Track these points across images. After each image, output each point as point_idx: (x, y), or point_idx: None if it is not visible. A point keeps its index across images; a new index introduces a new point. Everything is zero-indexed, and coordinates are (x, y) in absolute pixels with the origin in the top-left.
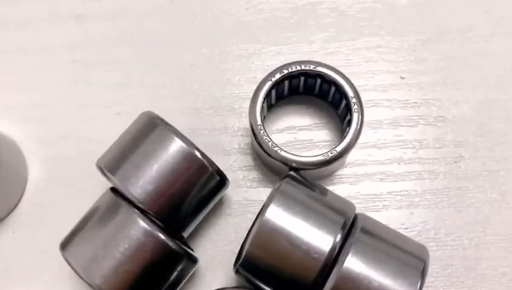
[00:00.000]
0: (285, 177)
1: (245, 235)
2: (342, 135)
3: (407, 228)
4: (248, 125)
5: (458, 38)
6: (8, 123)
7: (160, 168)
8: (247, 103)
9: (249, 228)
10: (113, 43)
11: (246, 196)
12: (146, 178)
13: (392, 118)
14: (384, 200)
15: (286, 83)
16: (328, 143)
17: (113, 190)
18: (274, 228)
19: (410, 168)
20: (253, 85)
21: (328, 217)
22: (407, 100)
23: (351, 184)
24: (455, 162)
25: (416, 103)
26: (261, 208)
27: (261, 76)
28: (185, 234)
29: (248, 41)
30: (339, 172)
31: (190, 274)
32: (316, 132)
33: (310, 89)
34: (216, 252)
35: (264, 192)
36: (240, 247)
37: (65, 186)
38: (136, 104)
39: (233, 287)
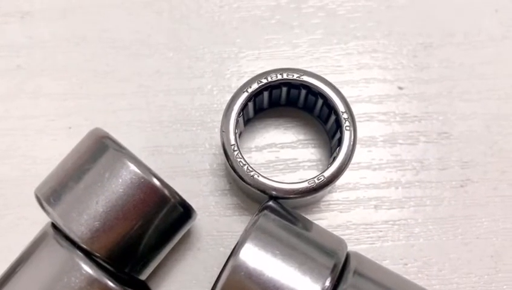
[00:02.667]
0: (263, 209)
1: (216, 275)
2: (331, 154)
3: (406, 264)
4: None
5: (465, 43)
6: None
7: (108, 200)
8: (221, 116)
9: (221, 265)
10: (64, 45)
11: (218, 226)
12: (91, 213)
13: (388, 134)
14: (380, 231)
15: (265, 94)
16: (315, 163)
17: (54, 225)
18: (249, 273)
19: (410, 193)
20: (228, 95)
21: (314, 259)
22: (406, 114)
23: (341, 212)
24: (461, 186)
25: (416, 116)
26: (234, 248)
27: (236, 84)
28: (143, 277)
29: (222, 44)
30: (327, 197)
31: None
32: (300, 150)
33: (293, 101)
34: None
35: (240, 221)
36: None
37: (2, 214)
38: (90, 116)
39: None
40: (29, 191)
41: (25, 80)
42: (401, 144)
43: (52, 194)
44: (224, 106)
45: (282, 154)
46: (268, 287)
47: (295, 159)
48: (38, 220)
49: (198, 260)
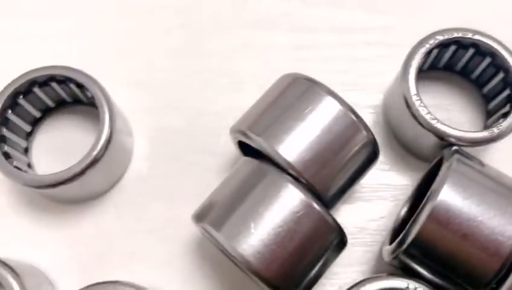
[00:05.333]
0: (453, 154)
1: (383, 227)
2: (486, 117)
3: None
4: (375, 102)
5: None
6: (114, 90)
7: (315, 132)
8: (375, 79)
9: (381, 215)
10: (226, 3)
11: (377, 179)
12: (300, 142)
13: None
14: None
15: (434, 52)
16: (468, 126)
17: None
18: (449, 211)
19: None
20: (387, 60)
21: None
22: None
23: None
24: None
25: None
26: (430, 191)
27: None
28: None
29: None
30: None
31: (336, 258)
32: (453, 113)
33: (452, 64)
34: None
35: (398, 177)
36: (391, 233)
37: (173, 160)
38: (256, 73)
39: (390, 275)
40: (197, 140)
41: (189, 38)
42: None
43: (260, 126)
44: (380, 69)
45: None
46: (468, 224)
47: (449, 119)
48: (208, 167)
49: (358, 208)
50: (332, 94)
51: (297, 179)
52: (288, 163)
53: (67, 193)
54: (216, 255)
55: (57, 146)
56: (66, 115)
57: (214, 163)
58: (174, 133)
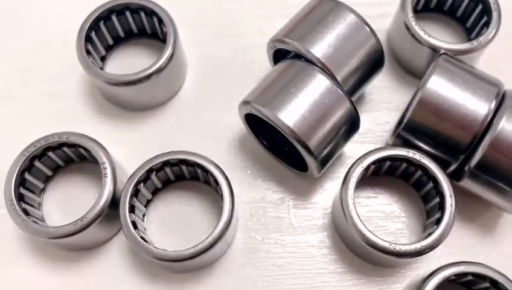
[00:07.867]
0: (440, 56)
1: (383, 126)
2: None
3: None
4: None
5: None
6: None
7: (338, 37)
8: (379, 20)
9: (385, 120)
10: None
11: (382, 93)
12: (326, 43)
13: None
14: None
15: None
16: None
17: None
18: (436, 95)
19: None
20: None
21: (483, 87)
22: None
23: None
24: None
25: None
26: (421, 82)
27: None
28: None
29: None
30: None
31: (352, 136)
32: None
33: (441, 3)
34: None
35: (398, 91)
36: (395, 125)
37: (220, 80)
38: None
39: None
40: (237, 65)
41: None
42: None
43: (291, 34)
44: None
45: None
46: (451, 106)
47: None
48: (248, 86)
49: (372, 117)
50: (353, 10)
51: (323, 70)
52: (317, 58)
53: (137, 97)
54: (253, 149)
55: (126, 67)
56: (132, 46)
57: (252, 81)
58: (219, 60)
